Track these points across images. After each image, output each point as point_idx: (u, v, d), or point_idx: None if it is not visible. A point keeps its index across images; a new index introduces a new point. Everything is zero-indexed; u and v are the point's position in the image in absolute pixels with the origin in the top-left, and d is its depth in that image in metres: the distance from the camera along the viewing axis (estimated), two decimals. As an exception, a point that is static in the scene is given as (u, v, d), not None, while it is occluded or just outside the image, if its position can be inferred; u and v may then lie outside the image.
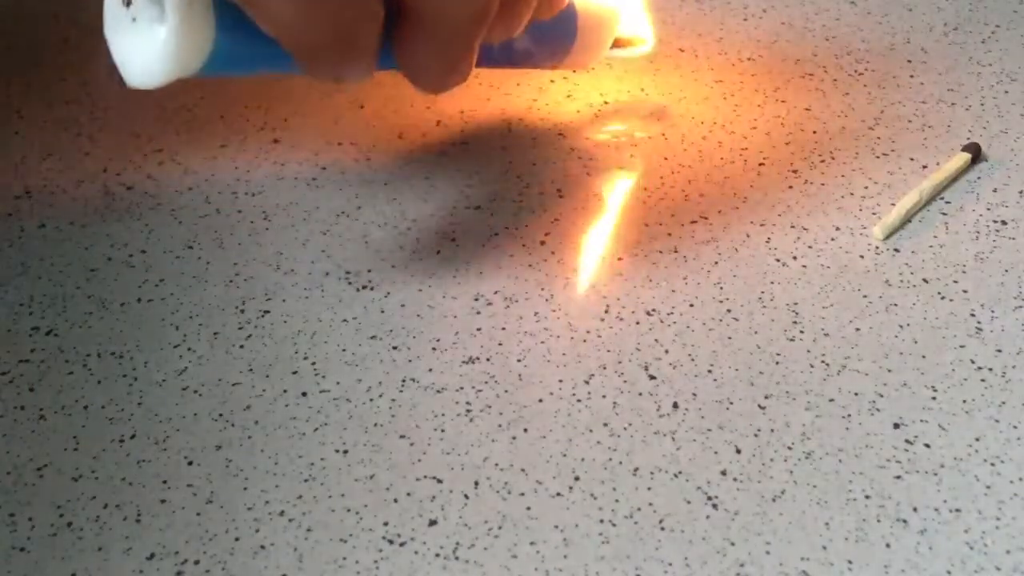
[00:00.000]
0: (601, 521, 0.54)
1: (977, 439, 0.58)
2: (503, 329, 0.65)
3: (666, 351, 0.63)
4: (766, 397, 0.61)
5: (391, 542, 0.53)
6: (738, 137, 0.81)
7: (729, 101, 0.85)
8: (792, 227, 0.73)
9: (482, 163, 0.79)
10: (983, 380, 0.61)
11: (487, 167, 0.79)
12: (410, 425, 0.59)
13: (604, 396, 0.60)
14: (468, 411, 0.60)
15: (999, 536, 0.53)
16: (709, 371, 0.62)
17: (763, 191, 0.76)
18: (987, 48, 0.91)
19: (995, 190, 0.76)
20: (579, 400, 0.60)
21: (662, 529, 0.54)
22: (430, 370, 0.62)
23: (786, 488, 0.56)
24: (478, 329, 0.65)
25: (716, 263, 0.70)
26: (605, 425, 0.59)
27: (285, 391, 0.61)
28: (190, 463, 0.57)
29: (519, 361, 0.63)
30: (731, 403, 0.60)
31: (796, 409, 0.60)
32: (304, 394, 0.61)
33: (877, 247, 0.71)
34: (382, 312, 0.67)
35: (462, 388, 0.61)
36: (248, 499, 0.55)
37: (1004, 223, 0.73)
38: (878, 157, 0.79)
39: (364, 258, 0.71)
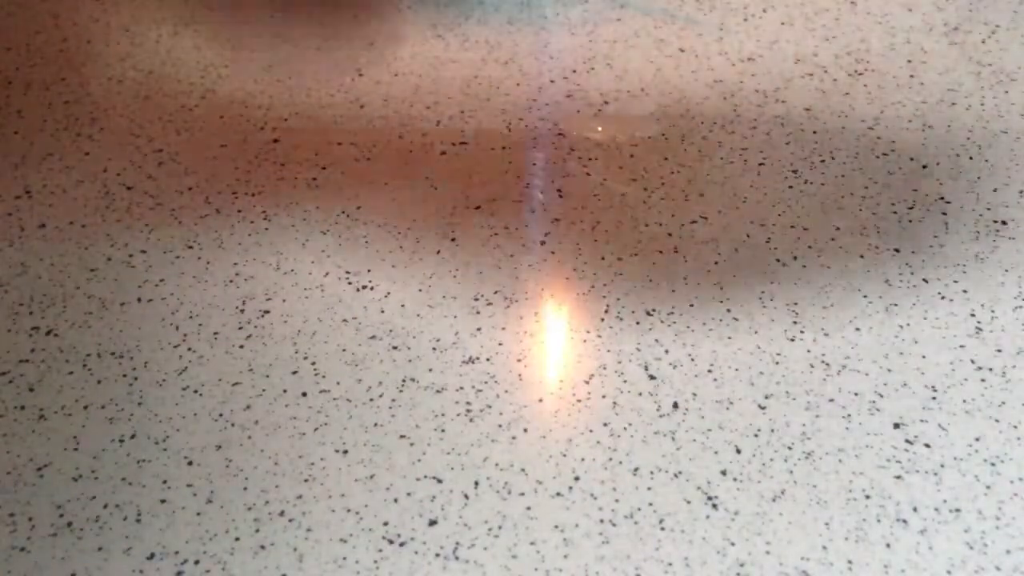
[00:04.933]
0: (601, 521, 0.54)
1: (977, 439, 0.58)
2: (503, 329, 0.65)
3: (666, 351, 0.63)
4: (766, 397, 0.61)
5: (391, 542, 0.53)
6: (738, 137, 0.81)
7: (729, 101, 0.85)
8: (792, 227, 0.73)
9: (482, 163, 0.79)
10: (983, 380, 0.61)
11: (487, 167, 0.79)
12: (410, 425, 0.59)
13: (604, 396, 0.60)
14: (468, 411, 0.60)
15: (999, 536, 0.53)
16: (709, 371, 0.62)
17: (763, 191, 0.76)
18: (987, 48, 0.91)
19: (995, 190, 0.76)
20: (579, 400, 0.60)
21: (662, 529, 0.53)
22: (430, 370, 0.62)
23: (786, 488, 0.55)
24: (478, 329, 0.65)
25: (716, 263, 0.70)
26: (605, 425, 0.59)
27: (285, 391, 0.61)
28: (190, 463, 0.57)
29: (519, 361, 0.63)
30: (731, 403, 0.60)
31: (796, 409, 0.60)
32: (304, 394, 0.61)
33: (877, 247, 0.71)
34: (382, 312, 0.67)
35: (462, 388, 0.61)
36: (248, 499, 0.55)
37: (1004, 223, 0.73)
38: (878, 157, 0.79)
39: (364, 258, 0.71)
